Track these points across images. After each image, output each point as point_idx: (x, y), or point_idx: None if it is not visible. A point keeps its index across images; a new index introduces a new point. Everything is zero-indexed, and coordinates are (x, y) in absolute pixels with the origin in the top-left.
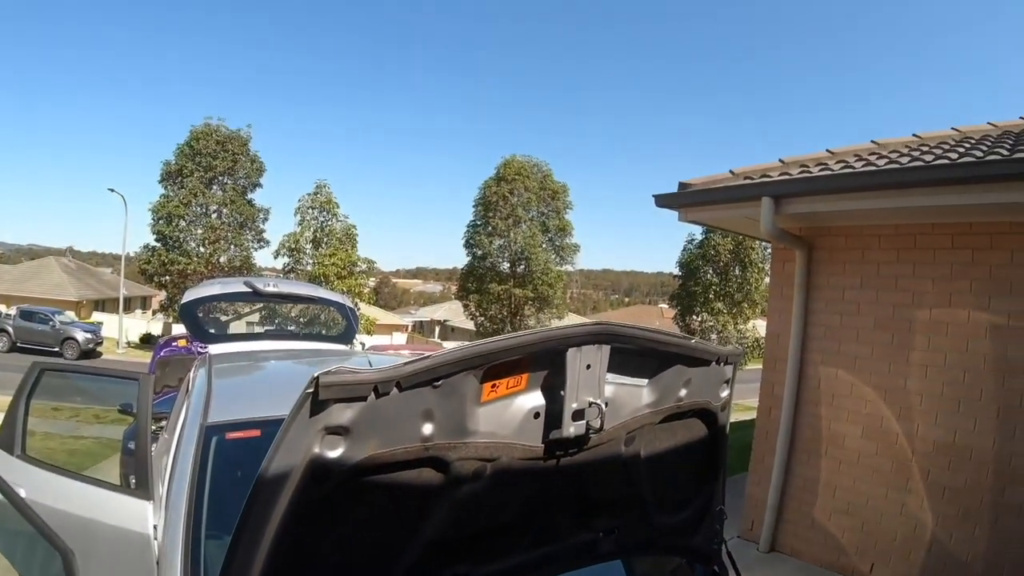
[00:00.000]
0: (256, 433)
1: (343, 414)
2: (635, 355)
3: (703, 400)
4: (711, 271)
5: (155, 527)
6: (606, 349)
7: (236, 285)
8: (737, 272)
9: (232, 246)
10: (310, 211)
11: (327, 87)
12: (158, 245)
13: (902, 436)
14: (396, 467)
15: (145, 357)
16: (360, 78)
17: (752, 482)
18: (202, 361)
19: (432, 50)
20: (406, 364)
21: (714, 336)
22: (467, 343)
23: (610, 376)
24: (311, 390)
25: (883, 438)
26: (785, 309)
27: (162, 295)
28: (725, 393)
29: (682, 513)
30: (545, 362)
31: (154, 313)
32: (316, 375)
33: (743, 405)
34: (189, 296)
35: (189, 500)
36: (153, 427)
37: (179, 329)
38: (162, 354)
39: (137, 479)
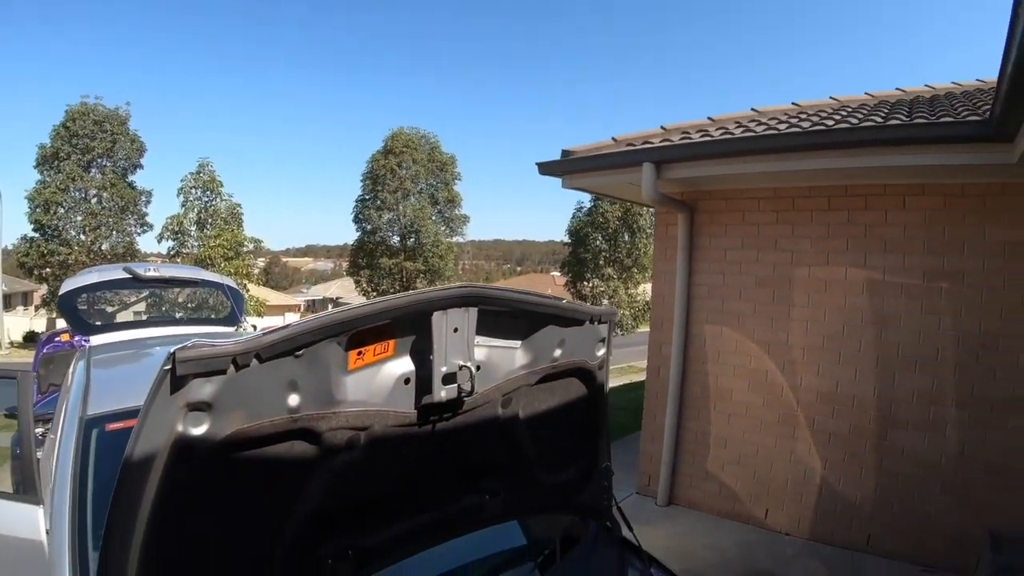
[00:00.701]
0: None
1: (203, 389)
2: (507, 317)
3: (579, 359)
4: (600, 238)
5: (47, 532)
6: (473, 311)
7: (115, 272)
8: (626, 238)
9: (114, 232)
10: (193, 191)
11: (205, 62)
12: (36, 235)
13: (787, 388)
14: (265, 441)
15: (30, 356)
16: (241, 52)
17: (645, 439)
18: (81, 353)
19: (316, 15)
20: (265, 334)
21: (606, 300)
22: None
23: (482, 339)
24: (168, 367)
25: (769, 390)
26: (669, 271)
27: (44, 289)
28: (601, 352)
29: (567, 472)
30: (411, 327)
31: (37, 309)
32: (172, 351)
33: (637, 367)
34: (66, 287)
35: (73, 498)
36: (42, 430)
37: (63, 324)
38: (45, 351)
39: (24, 482)
